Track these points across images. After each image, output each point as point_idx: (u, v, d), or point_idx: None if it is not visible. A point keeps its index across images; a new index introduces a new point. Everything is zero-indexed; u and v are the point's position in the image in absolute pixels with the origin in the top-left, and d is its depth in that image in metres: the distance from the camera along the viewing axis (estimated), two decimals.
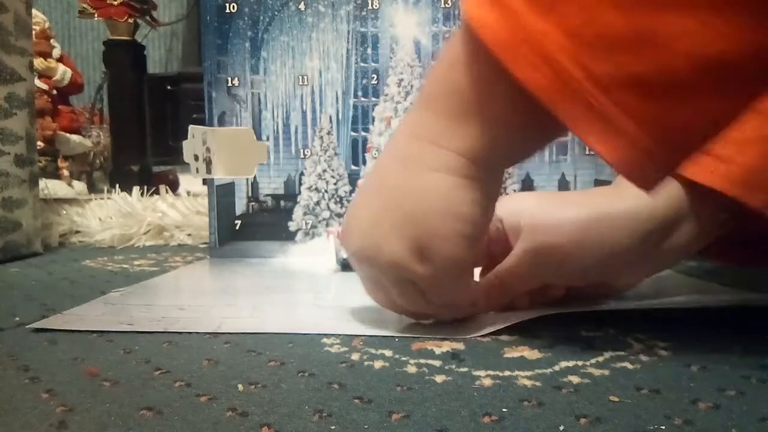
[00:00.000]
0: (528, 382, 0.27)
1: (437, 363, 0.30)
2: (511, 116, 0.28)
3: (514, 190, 0.64)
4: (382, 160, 0.34)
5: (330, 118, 0.65)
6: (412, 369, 0.29)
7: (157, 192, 0.88)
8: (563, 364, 0.29)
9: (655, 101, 0.24)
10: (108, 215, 0.82)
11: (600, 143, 0.25)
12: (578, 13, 0.24)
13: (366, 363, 0.30)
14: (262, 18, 0.65)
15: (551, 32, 0.24)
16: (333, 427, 0.22)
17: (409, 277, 0.32)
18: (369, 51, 0.65)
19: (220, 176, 0.66)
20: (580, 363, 0.29)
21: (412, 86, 0.65)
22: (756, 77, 0.24)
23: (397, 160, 0.32)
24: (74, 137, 1.26)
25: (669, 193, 0.35)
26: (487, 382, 0.27)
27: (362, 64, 0.65)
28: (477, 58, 0.27)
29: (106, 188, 0.94)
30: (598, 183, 0.64)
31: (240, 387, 0.27)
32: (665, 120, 0.25)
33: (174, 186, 1.21)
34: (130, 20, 1.16)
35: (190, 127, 0.65)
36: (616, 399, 0.25)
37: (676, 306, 0.37)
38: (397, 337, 0.34)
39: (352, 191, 0.66)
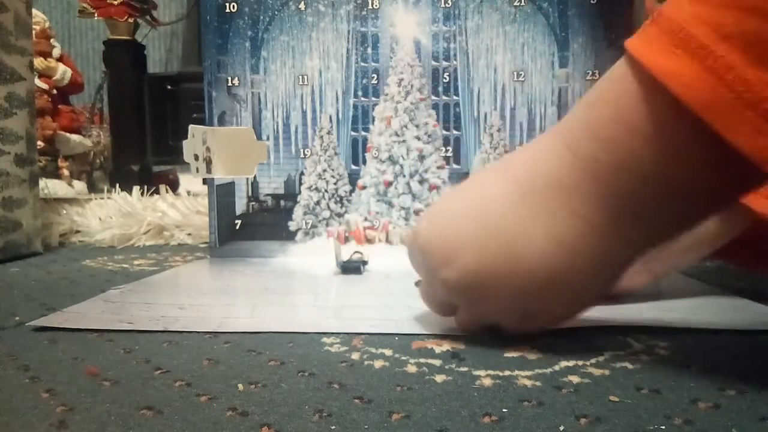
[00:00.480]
0: (528, 382, 0.27)
1: (437, 362, 0.30)
2: (705, 191, 0.23)
3: None
4: (499, 183, 0.28)
5: (330, 117, 0.65)
6: (412, 369, 0.29)
7: (157, 192, 0.88)
8: (563, 364, 0.29)
9: None
10: (108, 215, 0.82)
11: None
12: None
13: (366, 362, 0.30)
14: (262, 18, 0.65)
15: None
16: (333, 427, 0.22)
17: (506, 326, 0.32)
18: (369, 51, 0.65)
19: (220, 176, 0.66)
20: (580, 363, 0.29)
21: (412, 86, 0.65)
22: None
23: (521, 196, 0.27)
24: (74, 137, 1.26)
25: None
26: (487, 381, 0.27)
27: (362, 64, 0.65)
28: (663, 120, 0.22)
29: (106, 188, 0.94)
30: None
31: (240, 387, 0.27)
32: None
33: (174, 186, 1.21)
34: (130, 20, 1.16)
35: (190, 126, 0.65)
36: (616, 399, 0.25)
37: (676, 323, 0.37)
38: (397, 336, 0.34)
39: (352, 191, 0.66)
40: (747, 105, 0.20)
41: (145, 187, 0.89)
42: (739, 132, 0.20)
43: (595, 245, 0.26)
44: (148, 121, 1.18)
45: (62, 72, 1.27)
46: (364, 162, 0.66)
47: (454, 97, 0.65)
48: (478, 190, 0.30)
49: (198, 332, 0.36)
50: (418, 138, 0.65)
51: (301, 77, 0.65)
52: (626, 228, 0.25)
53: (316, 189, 0.66)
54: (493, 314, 0.31)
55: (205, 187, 0.69)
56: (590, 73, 0.62)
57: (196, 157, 0.65)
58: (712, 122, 0.20)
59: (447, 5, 0.63)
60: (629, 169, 0.23)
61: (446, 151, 0.65)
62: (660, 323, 0.36)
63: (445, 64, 0.64)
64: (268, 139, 0.66)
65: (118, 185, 0.93)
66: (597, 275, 0.28)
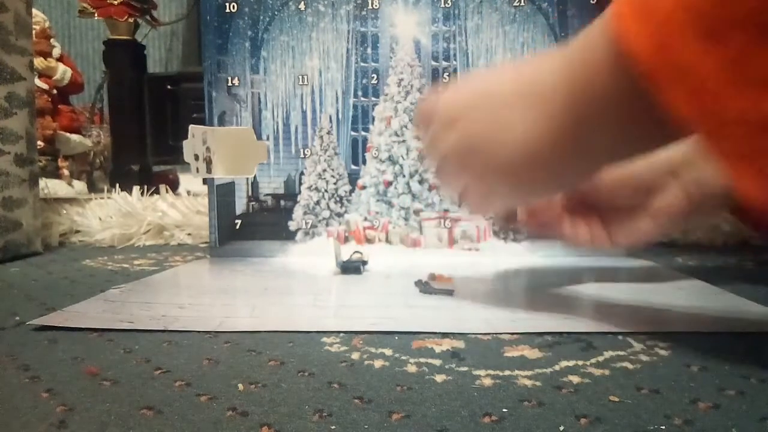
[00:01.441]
0: (528, 382, 0.27)
1: (437, 362, 0.30)
2: (641, 131, 0.28)
3: None
4: (511, 75, 0.33)
5: (330, 117, 0.65)
6: (412, 368, 0.29)
7: (157, 192, 0.88)
8: (563, 364, 0.29)
9: None
10: (108, 215, 0.82)
11: (750, 183, 0.23)
12: (741, 45, 0.22)
13: (366, 362, 0.30)
14: (262, 18, 0.65)
15: (709, 62, 0.22)
16: (333, 427, 0.22)
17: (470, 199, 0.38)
18: (369, 51, 0.65)
19: (220, 176, 0.66)
20: (580, 363, 0.29)
21: (412, 86, 0.65)
22: None
23: (520, 92, 0.32)
24: (74, 137, 1.26)
25: None
26: (487, 381, 0.27)
27: (362, 64, 0.65)
28: (618, 67, 0.26)
29: (106, 188, 0.94)
30: None
31: (240, 386, 0.27)
32: None
33: (174, 186, 1.21)
34: (131, 20, 1.16)
35: (190, 126, 0.65)
36: (616, 399, 0.25)
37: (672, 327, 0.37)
38: (397, 335, 0.34)
39: (351, 190, 0.66)
40: (679, 73, 0.23)
41: (145, 187, 0.89)
42: (668, 97, 0.24)
43: (557, 156, 0.31)
44: (148, 121, 1.18)
45: (62, 72, 1.27)
46: (364, 162, 0.66)
47: None
48: (496, 75, 0.35)
49: (198, 332, 0.36)
50: (418, 138, 0.65)
51: (301, 77, 0.65)
52: (583, 143, 0.30)
53: (316, 189, 0.66)
54: (466, 181, 0.36)
55: (205, 187, 0.69)
56: None
57: (196, 157, 0.65)
58: (651, 85, 0.24)
59: (447, 5, 0.63)
60: (591, 101, 0.28)
61: None
62: (660, 326, 0.36)
63: (444, 64, 0.64)
64: (268, 139, 0.66)
65: (118, 185, 0.93)
66: (549, 181, 0.33)
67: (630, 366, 0.29)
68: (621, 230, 0.44)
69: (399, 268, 0.56)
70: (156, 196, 0.86)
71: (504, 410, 0.24)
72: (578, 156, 0.31)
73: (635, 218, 0.42)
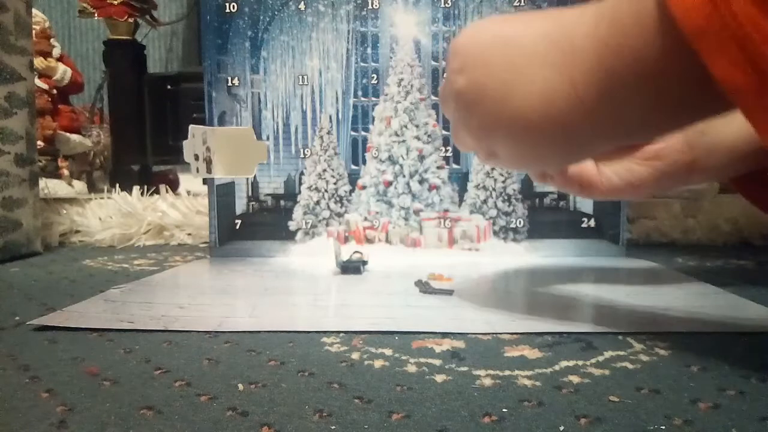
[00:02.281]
0: (528, 382, 0.27)
1: (437, 362, 0.30)
2: (678, 104, 0.26)
3: (514, 190, 0.64)
4: (535, 24, 0.30)
5: (330, 117, 0.65)
6: (412, 368, 0.29)
7: (157, 191, 0.88)
8: (563, 364, 0.29)
9: None
10: (108, 215, 0.82)
11: None
12: None
13: (366, 362, 0.30)
14: (262, 18, 0.65)
15: (765, 23, 0.20)
16: (333, 427, 0.22)
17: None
18: (369, 51, 0.65)
19: (220, 176, 0.66)
20: (580, 363, 0.29)
21: (412, 86, 0.65)
22: None
23: (542, 44, 0.29)
24: (74, 137, 1.26)
25: None
26: (487, 381, 0.27)
27: (362, 64, 0.65)
28: (665, 30, 0.24)
29: (106, 188, 0.94)
30: None
31: (240, 386, 0.27)
32: None
33: (174, 185, 1.21)
34: (130, 20, 1.16)
35: (190, 126, 0.65)
36: (616, 399, 0.25)
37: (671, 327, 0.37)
38: (397, 335, 0.34)
39: (351, 191, 0.66)
40: (731, 37, 0.21)
41: (145, 187, 0.89)
42: (717, 61, 0.22)
43: (576, 124, 0.28)
44: (148, 121, 1.18)
45: (62, 72, 1.27)
46: (364, 162, 0.66)
47: None
48: (517, 22, 0.31)
49: (198, 332, 0.36)
50: (418, 138, 0.65)
51: (301, 77, 0.65)
52: (605, 116, 0.27)
53: (316, 189, 0.66)
54: (475, 137, 0.33)
55: (205, 187, 0.69)
56: None
57: (196, 157, 0.65)
58: (699, 47, 0.22)
59: (447, 5, 0.63)
60: (627, 62, 0.25)
61: (446, 151, 0.65)
62: (660, 326, 0.36)
63: (444, 64, 0.64)
64: (268, 139, 0.66)
65: (118, 185, 0.93)
66: (564, 150, 0.30)
67: (630, 366, 0.29)
68: (613, 168, 0.40)
69: (399, 268, 0.56)
70: (156, 196, 0.86)
71: (504, 410, 0.24)
72: (603, 123, 0.28)
73: (631, 159, 0.39)
